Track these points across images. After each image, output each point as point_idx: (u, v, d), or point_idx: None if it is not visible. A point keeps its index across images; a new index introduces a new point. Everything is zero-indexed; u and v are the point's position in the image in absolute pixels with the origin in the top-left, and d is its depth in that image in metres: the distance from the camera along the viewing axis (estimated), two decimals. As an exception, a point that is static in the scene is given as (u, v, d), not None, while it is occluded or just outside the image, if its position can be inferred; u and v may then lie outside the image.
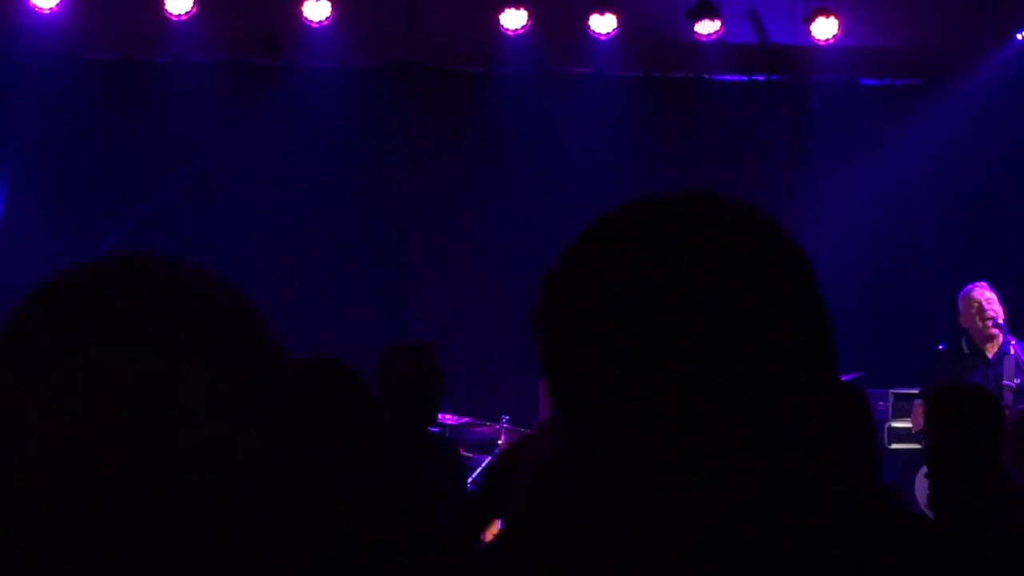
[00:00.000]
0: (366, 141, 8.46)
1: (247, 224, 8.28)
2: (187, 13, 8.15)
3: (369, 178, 8.50)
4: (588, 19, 8.69)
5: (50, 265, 0.96)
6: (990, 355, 6.96)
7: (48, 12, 7.98)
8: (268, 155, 8.30)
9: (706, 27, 8.62)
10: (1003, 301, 7.02)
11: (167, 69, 8.31)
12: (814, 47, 8.73)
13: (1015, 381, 6.80)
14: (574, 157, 8.58)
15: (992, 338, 6.95)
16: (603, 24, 8.68)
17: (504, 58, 8.57)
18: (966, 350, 7.03)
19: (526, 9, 8.53)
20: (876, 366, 7.72)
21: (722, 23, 8.59)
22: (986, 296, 6.99)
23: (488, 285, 8.13)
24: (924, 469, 5.32)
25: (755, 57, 8.80)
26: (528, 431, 5.45)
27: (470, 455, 6.52)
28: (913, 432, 7.32)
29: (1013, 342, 6.92)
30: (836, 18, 8.67)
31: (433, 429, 4.71)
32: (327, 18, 8.40)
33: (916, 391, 7.44)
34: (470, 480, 5.61)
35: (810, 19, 8.71)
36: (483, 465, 6.35)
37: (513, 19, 8.57)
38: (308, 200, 8.35)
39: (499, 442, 6.65)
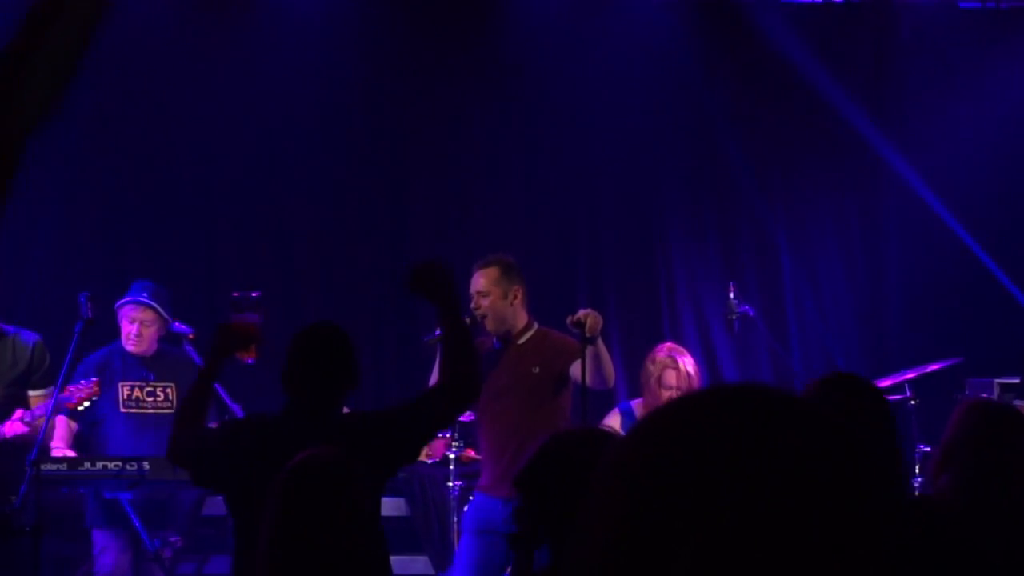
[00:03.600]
0: (354, 74, 7.90)
1: (220, 174, 7.77)
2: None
3: (359, 119, 7.92)
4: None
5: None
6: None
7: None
8: (242, 91, 7.73)
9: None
10: None
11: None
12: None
13: None
14: (606, 94, 8.00)
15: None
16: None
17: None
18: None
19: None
20: (978, 351, 7.15)
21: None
22: None
23: (501, 246, 7.23)
24: None
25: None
26: None
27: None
28: None
29: None
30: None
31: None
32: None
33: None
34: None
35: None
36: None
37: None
38: (288, 146, 7.84)
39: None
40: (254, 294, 4.29)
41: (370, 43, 7.89)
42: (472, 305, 5.47)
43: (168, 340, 6.27)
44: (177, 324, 6.16)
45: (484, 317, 5.46)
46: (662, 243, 7.99)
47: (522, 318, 5.54)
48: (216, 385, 5.74)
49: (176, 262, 7.42)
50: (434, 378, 5.39)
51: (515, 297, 5.50)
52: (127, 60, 7.43)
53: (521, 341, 5.51)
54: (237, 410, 5.83)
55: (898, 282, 8.01)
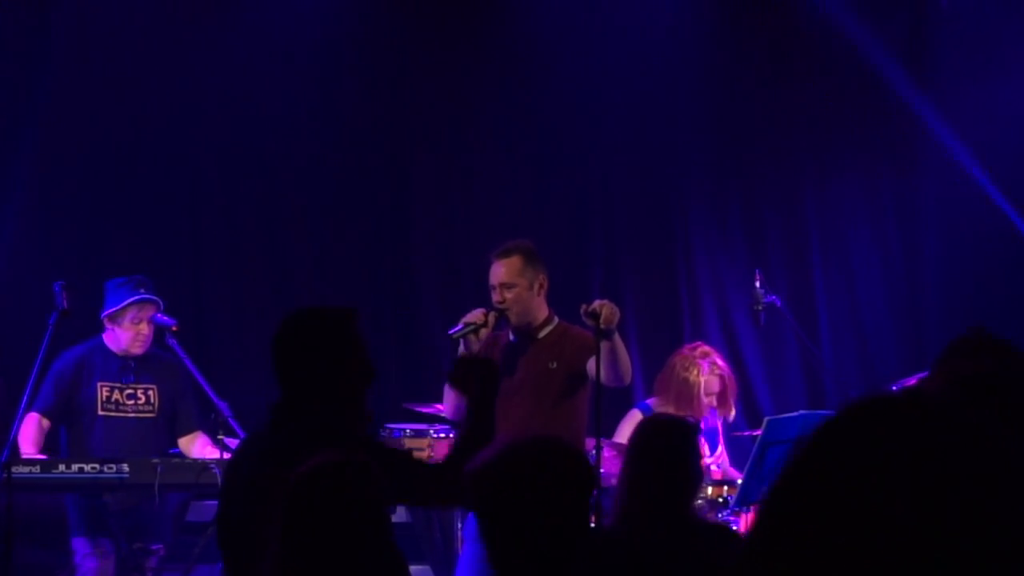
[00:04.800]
0: (354, 50, 7.74)
1: (207, 156, 7.62)
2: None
3: (358, 97, 7.76)
4: None
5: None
6: None
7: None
8: (230, 67, 7.56)
9: None
10: None
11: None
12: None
13: None
14: (621, 67, 7.80)
15: None
16: None
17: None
18: None
19: None
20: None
21: None
22: None
23: (508, 233, 7.30)
24: None
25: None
26: None
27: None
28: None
29: None
30: None
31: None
32: None
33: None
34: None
35: None
36: None
37: None
38: (282, 129, 7.65)
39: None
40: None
41: (371, 16, 7.76)
42: (496, 299, 5.32)
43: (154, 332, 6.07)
44: (160, 316, 5.95)
45: (507, 311, 5.27)
46: (682, 228, 7.87)
47: (544, 310, 5.40)
48: (202, 381, 5.78)
49: (158, 249, 7.28)
50: (447, 401, 5.39)
51: (541, 287, 5.37)
52: (110, 41, 7.36)
53: (541, 335, 5.37)
54: (224, 407, 5.67)
55: (938, 269, 7.85)
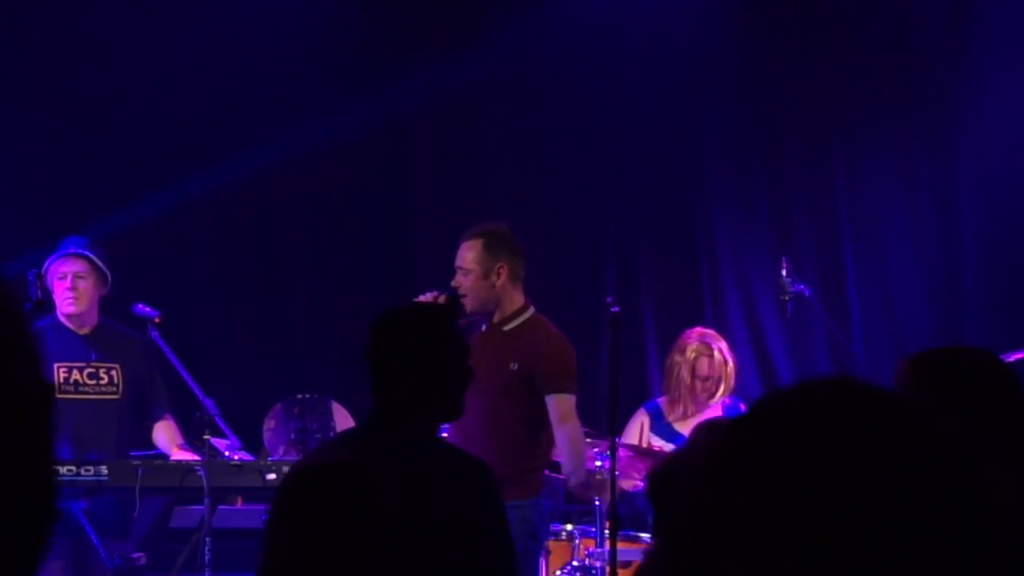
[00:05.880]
0: (351, 42, 7.67)
1: (191, 133, 7.55)
2: None
3: (354, 89, 7.67)
4: None
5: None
6: None
7: None
8: (220, 63, 7.55)
9: None
10: None
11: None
12: None
13: None
14: (639, 39, 7.71)
15: None
16: None
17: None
18: None
19: None
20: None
21: None
22: None
23: (514, 215, 7.40)
24: None
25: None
26: None
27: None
28: None
29: None
30: None
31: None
32: None
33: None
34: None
35: None
36: None
37: None
38: (273, 100, 7.65)
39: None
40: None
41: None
42: (452, 282, 5.28)
43: (133, 325, 6.04)
44: (141, 307, 5.90)
45: (464, 296, 5.17)
46: (703, 213, 7.76)
47: (514, 300, 5.25)
48: (187, 376, 5.72)
49: (141, 235, 7.24)
50: None
51: (498, 276, 5.23)
52: (94, 16, 7.40)
53: (507, 328, 5.23)
54: (210, 405, 5.65)
55: (978, 256, 7.67)
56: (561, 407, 5.07)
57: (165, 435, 5.85)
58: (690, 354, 5.94)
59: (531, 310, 5.25)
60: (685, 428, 5.74)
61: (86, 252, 5.82)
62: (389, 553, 2.67)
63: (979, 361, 2.90)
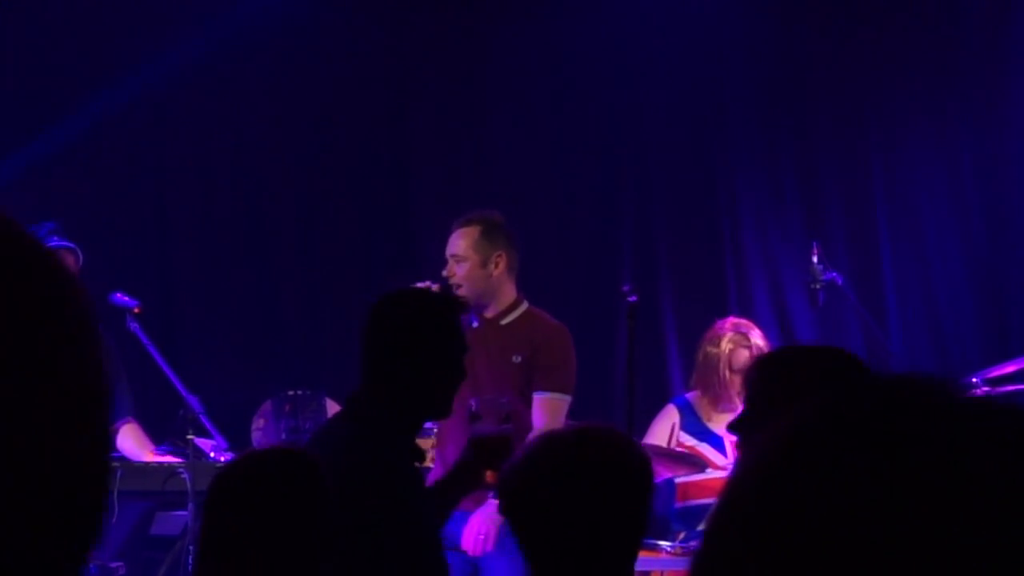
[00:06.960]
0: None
1: (175, 112, 7.55)
2: None
3: (352, 76, 7.64)
4: None
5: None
6: None
7: None
8: (204, 54, 7.46)
9: None
10: None
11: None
12: None
13: None
14: (660, 10, 7.59)
15: None
16: None
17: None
18: None
19: None
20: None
21: None
22: None
23: (524, 198, 7.41)
24: None
25: None
26: None
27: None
28: None
29: None
30: None
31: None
32: None
33: None
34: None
35: None
36: None
37: None
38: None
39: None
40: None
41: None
42: (445, 271, 5.22)
43: (110, 316, 5.89)
44: (119, 295, 5.85)
45: (458, 287, 5.10)
46: (728, 196, 7.61)
47: (508, 293, 5.23)
48: (169, 372, 5.61)
49: (124, 217, 7.28)
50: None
51: (496, 265, 5.18)
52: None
53: (504, 322, 5.16)
54: (194, 403, 5.61)
55: None
56: (554, 406, 4.98)
57: (133, 441, 5.72)
58: (726, 346, 5.80)
59: (526, 304, 5.21)
60: (718, 426, 5.59)
61: (64, 243, 5.83)
62: (326, 542, 2.68)
63: (818, 358, 2.97)
